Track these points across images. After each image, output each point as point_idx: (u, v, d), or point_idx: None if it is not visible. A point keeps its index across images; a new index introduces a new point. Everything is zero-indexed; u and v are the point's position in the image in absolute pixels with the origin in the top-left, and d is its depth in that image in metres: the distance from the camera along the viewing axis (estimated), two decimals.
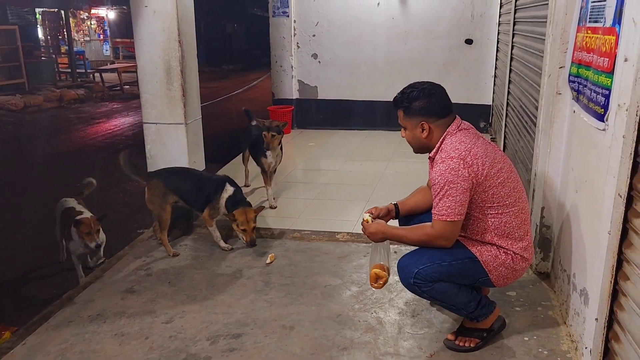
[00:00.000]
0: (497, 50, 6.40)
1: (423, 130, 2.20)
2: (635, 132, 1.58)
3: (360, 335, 2.48)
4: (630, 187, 1.63)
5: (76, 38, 18.98)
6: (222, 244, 3.47)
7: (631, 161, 1.60)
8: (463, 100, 6.44)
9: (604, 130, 1.95)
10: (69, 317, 2.70)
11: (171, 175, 3.52)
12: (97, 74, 14.04)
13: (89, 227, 3.19)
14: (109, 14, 20.12)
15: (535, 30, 3.53)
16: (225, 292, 2.91)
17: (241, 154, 4.82)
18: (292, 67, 7.13)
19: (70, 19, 16.51)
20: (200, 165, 3.95)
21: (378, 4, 6.73)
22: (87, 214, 3.36)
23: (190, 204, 3.55)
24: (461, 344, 2.34)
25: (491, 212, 2.15)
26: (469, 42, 6.64)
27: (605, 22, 2.00)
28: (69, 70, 14.36)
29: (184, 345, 2.43)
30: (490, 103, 6.67)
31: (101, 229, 3.32)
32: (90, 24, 20.67)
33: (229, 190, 3.42)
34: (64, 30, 15.48)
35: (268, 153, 4.15)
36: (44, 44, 16.42)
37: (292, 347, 2.40)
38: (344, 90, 7.10)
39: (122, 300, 2.86)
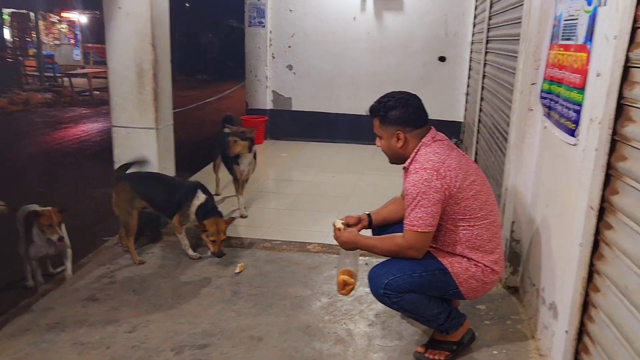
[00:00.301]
0: (470, 68, 6.52)
1: (398, 139, 2.20)
2: (608, 145, 1.60)
3: (330, 347, 2.44)
4: (602, 199, 1.65)
5: (45, 41, 18.56)
6: (191, 252, 3.39)
7: (603, 174, 1.63)
8: (435, 117, 6.41)
9: (575, 145, 1.98)
10: (25, 326, 2.57)
11: (140, 179, 3.42)
12: (66, 79, 13.70)
13: (49, 219, 2.98)
14: (81, 18, 19.77)
15: (507, 48, 3.60)
16: (191, 302, 2.83)
17: (212, 162, 4.75)
18: (266, 77, 7.11)
19: (40, 22, 16.16)
20: (170, 172, 3.86)
21: (354, 18, 6.79)
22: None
23: (159, 210, 3.45)
24: (431, 356, 2.32)
25: (463, 224, 2.15)
26: (442, 59, 6.75)
27: (577, 39, 2.04)
28: (37, 73, 14.01)
29: (147, 356, 2.34)
30: (462, 120, 6.77)
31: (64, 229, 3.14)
32: (61, 27, 20.27)
33: (200, 197, 3.34)
34: (33, 32, 15.12)
35: (240, 161, 4.09)
36: (10, 46, 15.98)
37: (260, 358, 2.34)
38: (319, 103, 7.10)
39: (83, 309, 2.74)
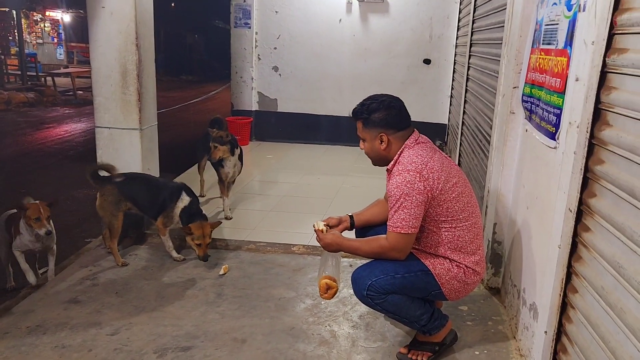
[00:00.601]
0: (454, 71, 6.58)
1: (382, 142, 2.21)
2: (586, 149, 1.63)
3: (314, 348, 2.44)
4: (580, 202, 1.68)
5: (28, 40, 18.32)
6: (175, 254, 3.37)
7: (581, 177, 1.65)
8: (420, 119, 6.57)
9: (555, 148, 2.01)
10: (5, 329, 2.54)
11: (126, 180, 3.40)
12: (49, 78, 13.55)
13: (37, 212, 2.90)
14: (64, 17, 19.56)
15: (490, 52, 3.64)
16: (175, 304, 2.81)
17: (197, 164, 4.74)
18: (252, 78, 7.10)
19: (23, 20, 15.95)
20: (154, 173, 3.84)
21: (340, 20, 6.81)
22: None
23: (144, 210, 3.42)
24: (414, 357, 2.34)
25: (445, 226, 2.17)
26: (427, 62, 6.80)
27: (557, 44, 2.08)
28: (19, 72, 13.81)
29: (129, 359, 2.33)
30: (446, 122, 6.83)
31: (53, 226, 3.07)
32: (44, 26, 20.02)
33: (184, 199, 3.32)
34: (15, 30, 14.92)
35: (225, 163, 4.09)
36: None
37: None
38: (304, 104, 7.11)
39: (64, 311, 2.72)
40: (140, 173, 3.55)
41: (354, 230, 2.56)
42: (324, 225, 2.37)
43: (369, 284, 2.15)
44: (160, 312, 2.72)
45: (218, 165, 4.13)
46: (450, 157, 5.74)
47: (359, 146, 2.35)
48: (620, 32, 1.50)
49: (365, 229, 2.51)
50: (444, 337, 2.37)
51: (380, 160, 2.28)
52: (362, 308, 2.72)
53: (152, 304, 2.80)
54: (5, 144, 7.52)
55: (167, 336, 2.50)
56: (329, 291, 2.30)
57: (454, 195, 2.14)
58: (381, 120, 2.19)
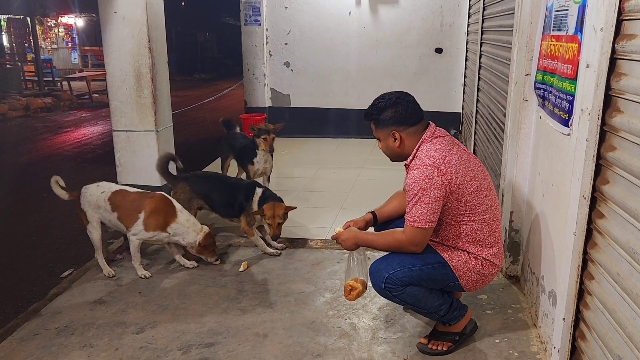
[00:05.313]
0: (466, 59, 6.53)
1: (395, 139, 2.23)
2: (598, 136, 1.63)
3: (334, 341, 2.48)
4: (594, 189, 1.68)
5: (43, 46, 18.58)
6: (269, 250, 3.44)
7: (594, 164, 1.65)
8: (434, 108, 6.56)
9: (568, 135, 2.01)
10: (34, 330, 2.62)
11: (199, 180, 3.50)
12: (65, 82, 13.75)
13: (214, 244, 3.20)
14: (78, 21, 19.78)
15: (502, 39, 3.62)
16: (197, 301, 2.87)
17: (221, 163, 4.76)
18: (264, 75, 7.14)
19: (37, 26, 16.18)
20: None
21: (349, 13, 6.80)
22: None
23: (216, 209, 3.50)
24: (434, 347, 2.36)
25: (464, 219, 2.18)
26: (438, 51, 6.76)
27: (568, 30, 2.07)
28: (36, 78, 13.99)
29: (155, 356, 2.39)
30: (461, 111, 6.79)
31: None
32: (58, 31, 20.29)
33: (258, 192, 3.39)
34: (30, 37, 15.14)
35: (255, 160, 4.10)
36: (9, 52, 16.01)
37: (266, 355, 2.38)
38: (317, 98, 7.13)
39: (90, 312, 2.79)
40: (213, 172, 3.61)
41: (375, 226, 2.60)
42: (340, 227, 2.41)
43: (387, 277, 2.17)
44: (183, 310, 2.79)
45: (247, 161, 4.13)
46: (465, 145, 5.71)
47: (372, 138, 2.37)
48: (628, 18, 1.49)
49: (385, 224, 2.53)
50: (464, 326, 2.39)
51: (398, 157, 2.30)
52: (382, 300, 2.75)
53: (174, 302, 2.87)
54: (25, 150, 7.67)
55: (190, 333, 2.56)
56: (352, 292, 2.33)
57: (472, 189, 2.14)
58: (391, 118, 2.21)
